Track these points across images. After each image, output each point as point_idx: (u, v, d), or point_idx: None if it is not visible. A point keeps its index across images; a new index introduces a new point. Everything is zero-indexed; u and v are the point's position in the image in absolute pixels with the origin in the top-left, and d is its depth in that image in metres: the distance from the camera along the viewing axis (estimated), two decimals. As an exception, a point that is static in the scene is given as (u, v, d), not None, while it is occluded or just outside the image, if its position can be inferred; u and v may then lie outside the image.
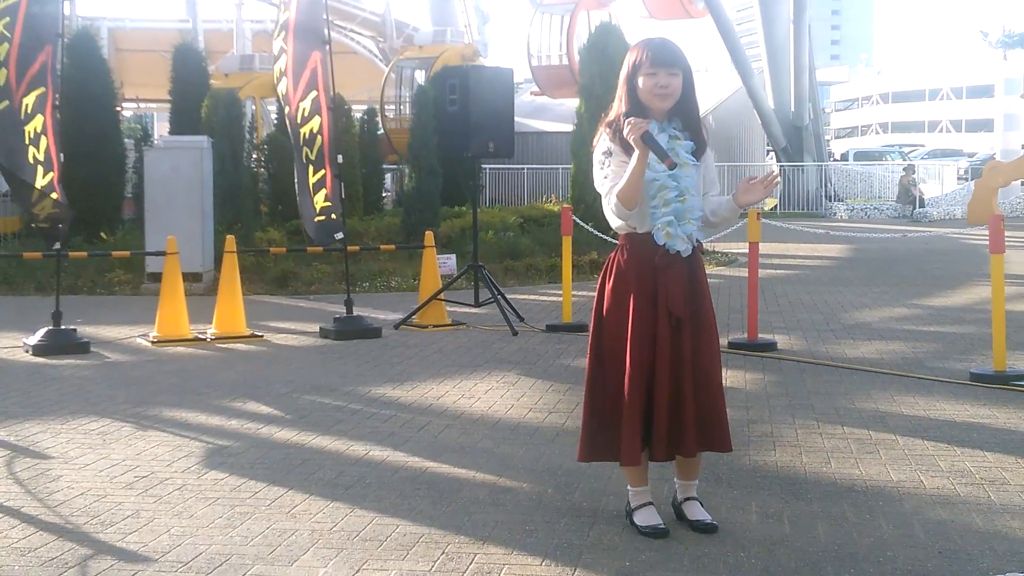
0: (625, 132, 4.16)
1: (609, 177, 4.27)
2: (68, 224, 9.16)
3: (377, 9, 30.43)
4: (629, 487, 4.47)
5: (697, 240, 4.34)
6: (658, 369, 4.25)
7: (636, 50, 4.31)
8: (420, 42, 28.86)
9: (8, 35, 8.67)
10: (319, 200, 9.70)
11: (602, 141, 4.35)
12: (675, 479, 4.56)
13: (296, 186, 10.01)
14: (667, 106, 4.29)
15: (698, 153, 4.34)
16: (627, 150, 4.22)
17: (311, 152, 9.67)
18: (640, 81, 4.27)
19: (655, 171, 4.22)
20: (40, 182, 8.78)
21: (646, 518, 4.37)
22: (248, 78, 23.83)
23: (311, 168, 9.71)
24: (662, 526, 4.34)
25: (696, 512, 4.44)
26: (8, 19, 8.64)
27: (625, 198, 4.19)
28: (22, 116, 8.74)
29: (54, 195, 8.82)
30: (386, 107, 26.86)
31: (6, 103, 8.72)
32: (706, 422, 4.32)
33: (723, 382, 4.48)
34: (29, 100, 8.74)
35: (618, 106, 4.35)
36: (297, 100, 9.67)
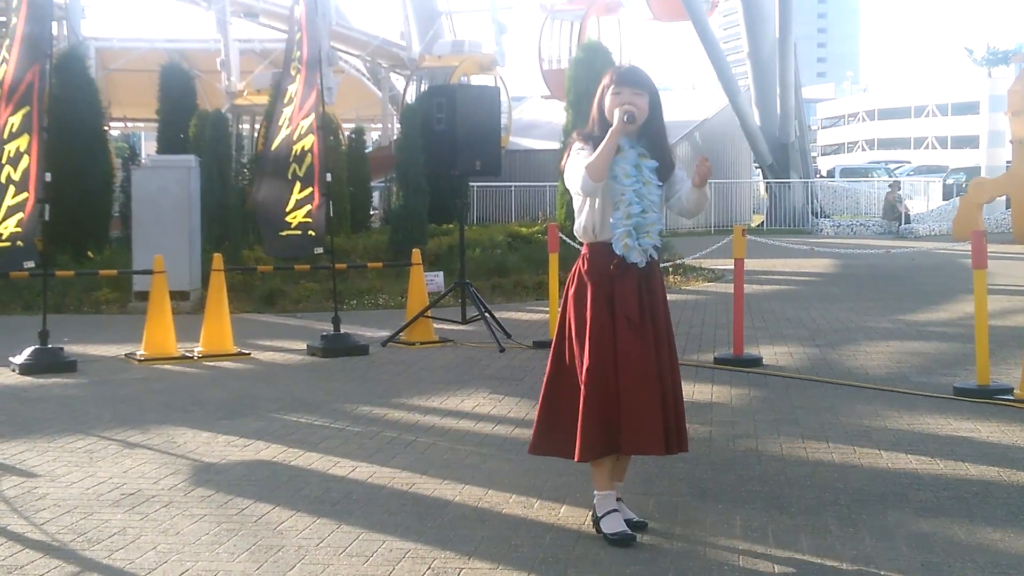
0: (618, 106, 4.43)
1: (583, 158, 4.52)
2: (27, 259, 9.12)
3: (365, 29, 30.59)
4: (596, 492, 4.58)
5: (652, 256, 4.56)
6: (622, 370, 4.41)
7: (607, 74, 4.61)
8: (439, 52, 29.10)
9: (7, 56, 8.78)
10: (298, 216, 9.75)
11: (576, 143, 4.62)
12: None
13: (264, 201, 10.03)
14: (636, 125, 4.51)
15: (663, 173, 4.58)
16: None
17: (300, 169, 9.72)
18: (607, 100, 4.53)
19: (623, 185, 4.48)
20: (8, 202, 8.80)
21: (613, 525, 4.48)
22: None
23: (298, 185, 9.74)
24: (628, 532, 4.45)
25: (625, 512, 4.62)
26: (8, 41, 8.77)
27: (594, 169, 4.42)
28: (5, 135, 8.80)
29: (20, 216, 8.83)
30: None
31: None
32: (665, 424, 4.49)
33: (681, 386, 4.68)
34: (15, 119, 8.80)
35: (590, 125, 4.64)
36: (300, 118, 9.73)
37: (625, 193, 4.48)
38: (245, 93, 25.80)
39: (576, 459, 4.49)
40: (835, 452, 5.93)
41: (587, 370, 4.45)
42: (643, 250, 4.50)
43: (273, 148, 9.95)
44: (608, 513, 4.51)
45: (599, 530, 4.51)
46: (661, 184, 4.57)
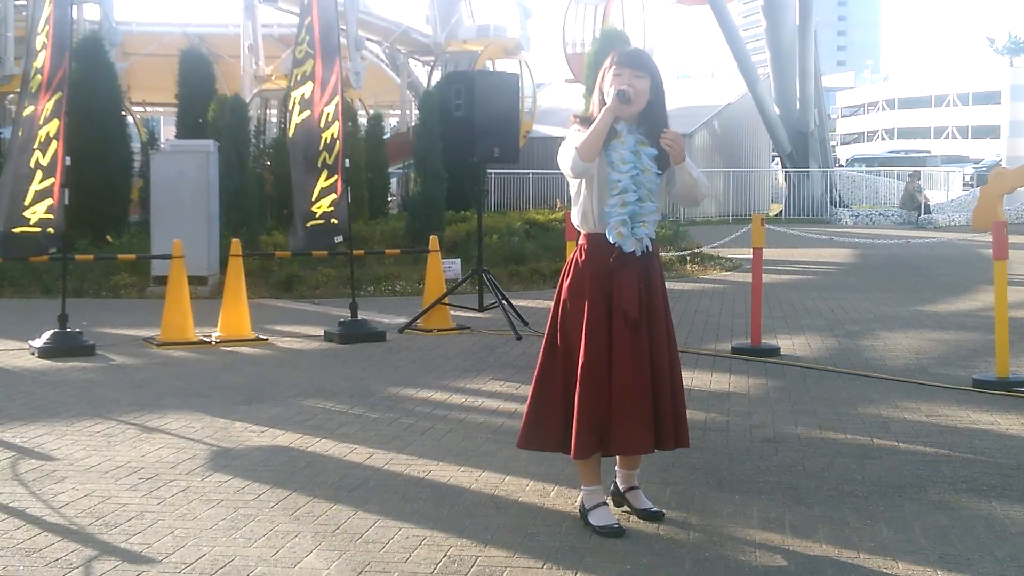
0: (613, 84, 4.38)
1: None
2: (54, 246, 9.18)
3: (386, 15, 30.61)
4: (583, 487, 4.54)
5: (648, 246, 4.45)
6: (615, 366, 4.34)
7: (609, 56, 4.53)
8: (464, 37, 29.12)
9: (47, 42, 8.86)
10: (323, 205, 9.73)
11: (574, 125, 4.52)
12: (617, 469, 4.71)
13: (295, 192, 10.01)
14: (634, 109, 4.41)
15: (662, 161, 4.44)
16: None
17: (329, 157, 9.71)
18: (608, 82, 4.44)
19: (620, 172, 4.39)
20: (36, 187, 8.84)
21: (602, 518, 4.45)
22: None
23: (326, 173, 9.73)
24: (616, 525, 4.42)
25: (642, 501, 4.63)
26: (47, 27, 8.84)
27: (585, 149, 4.32)
28: (40, 121, 8.86)
29: (50, 202, 8.86)
30: None
31: (32, 108, 8.87)
32: (661, 420, 4.41)
33: (681, 381, 4.57)
34: (49, 105, 8.87)
35: (592, 108, 4.56)
36: (322, 105, 9.71)
37: (622, 180, 4.38)
38: (273, 77, 25.81)
39: (572, 456, 4.43)
40: (853, 443, 5.91)
41: (582, 366, 4.37)
42: (637, 239, 4.39)
43: (291, 135, 9.95)
44: (596, 507, 4.48)
45: (587, 522, 4.48)
46: (660, 172, 4.45)
